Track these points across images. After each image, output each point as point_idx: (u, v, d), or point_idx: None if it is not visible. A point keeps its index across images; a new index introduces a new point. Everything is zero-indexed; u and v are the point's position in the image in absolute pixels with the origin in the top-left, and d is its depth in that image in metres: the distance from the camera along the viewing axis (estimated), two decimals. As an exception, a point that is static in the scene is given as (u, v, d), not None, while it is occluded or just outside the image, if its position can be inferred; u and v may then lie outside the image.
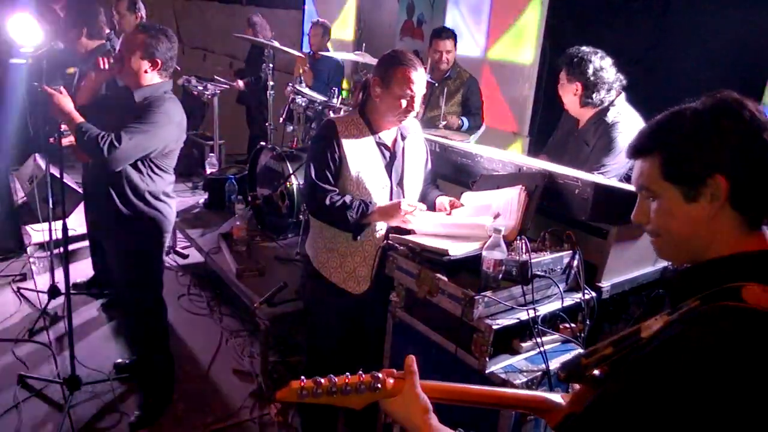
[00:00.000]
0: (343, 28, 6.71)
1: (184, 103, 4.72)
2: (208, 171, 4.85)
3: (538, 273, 1.88)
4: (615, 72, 2.62)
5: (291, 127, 4.44)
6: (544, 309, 1.90)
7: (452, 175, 2.65)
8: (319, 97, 4.14)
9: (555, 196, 2.14)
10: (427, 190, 2.48)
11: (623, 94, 2.66)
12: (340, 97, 4.06)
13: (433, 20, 5.81)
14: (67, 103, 2.46)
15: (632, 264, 2.18)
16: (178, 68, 3.58)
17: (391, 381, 1.12)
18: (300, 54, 5.04)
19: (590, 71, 2.59)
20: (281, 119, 4.50)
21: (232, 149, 6.68)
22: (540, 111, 4.92)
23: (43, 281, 3.95)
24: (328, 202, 2.21)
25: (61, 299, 3.65)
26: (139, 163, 2.55)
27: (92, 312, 3.85)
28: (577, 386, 1.23)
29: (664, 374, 0.94)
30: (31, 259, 4.34)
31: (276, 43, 4.79)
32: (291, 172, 3.66)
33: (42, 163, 4.43)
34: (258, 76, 6.07)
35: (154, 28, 2.58)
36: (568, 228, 2.07)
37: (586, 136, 2.69)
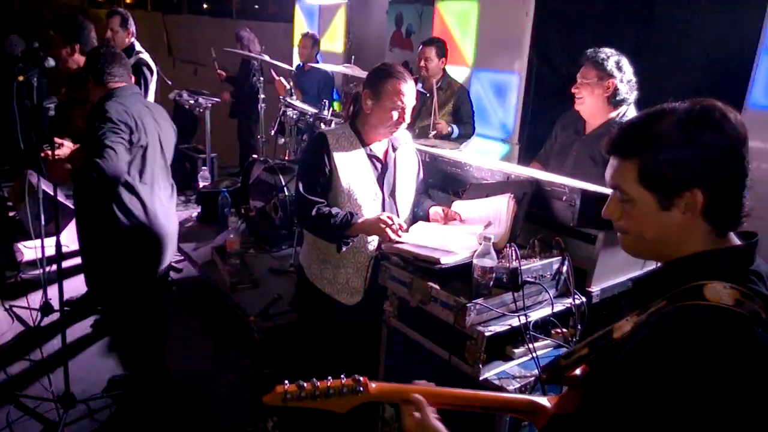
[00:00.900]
0: (333, 40, 6.76)
1: (176, 116, 4.75)
2: (201, 184, 4.86)
3: (528, 279, 1.91)
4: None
5: (282, 140, 4.46)
6: (535, 315, 1.92)
7: (442, 184, 2.67)
8: (310, 110, 4.17)
9: (543, 203, 2.16)
10: (419, 200, 2.50)
11: (633, 107, 2.68)
12: (332, 109, 4.09)
13: (422, 31, 5.86)
14: (61, 167, 2.59)
15: (621, 268, 2.20)
16: (170, 82, 3.61)
17: (373, 385, 1.14)
18: (286, 67, 5.06)
19: (625, 70, 2.62)
20: (273, 131, 4.52)
21: (225, 162, 6.69)
22: (528, 119, 4.97)
23: (35, 298, 3.94)
24: (314, 213, 2.23)
25: (53, 316, 3.64)
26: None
27: (85, 329, 3.84)
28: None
29: (634, 382, 0.97)
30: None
31: (266, 57, 4.82)
32: (283, 184, 3.68)
33: (34, 179, 4.43)
34: (242, 82, 6.13)
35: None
36: (556, 234, 2.09)
37: (599, 142, 2.69)
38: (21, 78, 2.82)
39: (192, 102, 5.37)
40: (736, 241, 1.09)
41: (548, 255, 2.03)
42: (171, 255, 3.00)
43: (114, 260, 2.79)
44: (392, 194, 2.38)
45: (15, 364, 3.41)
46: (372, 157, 2.35)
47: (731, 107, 1.07)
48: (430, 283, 1.93)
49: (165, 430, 2.94)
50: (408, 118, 2.29)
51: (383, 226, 2.11)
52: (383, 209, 2.35)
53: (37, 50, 3.10)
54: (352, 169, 2.29)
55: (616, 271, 2.19)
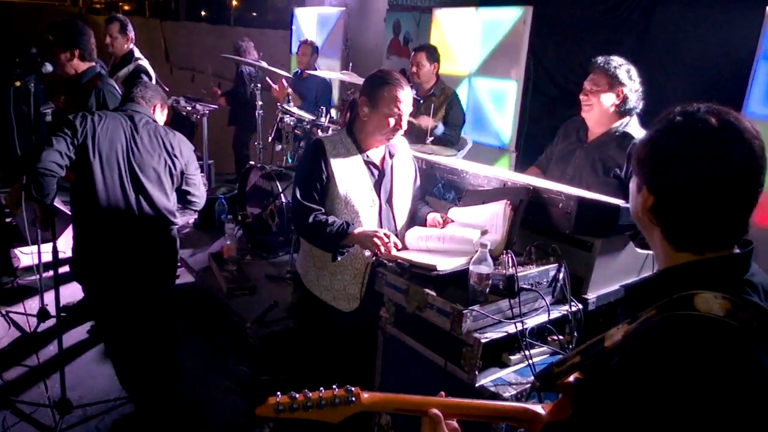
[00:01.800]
0: (330, 47, 6.78)
1: (173, 123, 4.75)
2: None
3: (525, 286, 1.91)
4: None
5: (279, 146, 4.47)
6: (531, 322, 1.92)
7: (439, 191, 2.68)
8: (308, 116, 4.18)
9: (540, 210, 2.17)
10: (416, 206, 2.51)
11: (635, 117, 2.70)
12: (329, 116, 4.11)
13: (419, 38, 5.89)
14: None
15: (617, 275, 2.21)
16: (167, 89, 3.62)
17: (365, 395, 1.14)
18: (286, 74, 5.08)
19: (634, 79, 2.63)
20: (270, 138, 4.53)
21: (222, 169, 6.70)
22: (526, 126, 4.99)
23: (32, 304, 3.93)
24: (311, 220, 2.23)
25: (50, 322, 3.63)
26: None
27: (82, 334, 3.83)
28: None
29: (623, 392, 0.97)
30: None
31: (264, 64, 4.84)
32: (280, 190, 3.69)
33: (31, 186, 4.42)
34: (236, 92, 6.16)
35: None
36: (553, 241, 2.10)
37: (603, 150, 2.69)
38: (18, 84, 2.82)
39: (189, 108, 5.39)
40: (733, 249, 1.08)
41: (545, 262, 2.04)
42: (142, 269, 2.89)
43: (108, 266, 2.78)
44: (389, 201, 2.39)
45: (11, 369, 3.39)
46: (369, 163, 2.36)
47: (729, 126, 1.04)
48: (427, 290, 1.93)
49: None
50: (405, 125, 2.29)
51: (378, 242, 2.11)
52: (380, 216, 2.35)
53: (34, 56, 3.11)
54: (349, 175, 2.30)
55: (613, 278, 2.20)
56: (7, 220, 4.82)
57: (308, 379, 2.64)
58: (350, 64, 5.09)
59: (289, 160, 4.46)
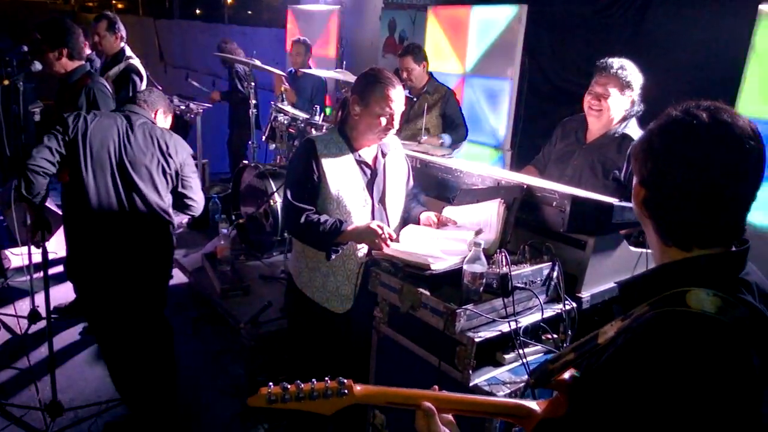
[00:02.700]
0: (325, 45, 6.76)
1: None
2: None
3: (519, 285, 1.90)
4: None
5: (273, 145, 4.45)
6: (525, 320, 1.91)
7: (433, 190, 2.67)
8: (302, 115, 4.16)
9: (534, 209, 2.16)
10: (410, 205, 2.49)
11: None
12: (323, 114, 4.08)
13: (415, 36, 5.88)
14: None
15: (611, 274, 2.20)
16: (159, 87, 3.59)
17: (358, 387, 1.13)
18: (279, 72, 5.06)
19: (641, 82, 2.62)
20: (264, 137, 4.51)
21: (216, 168, 6.67)
22: (521, 125, 4.99)
23: (22, 306, 3.90)
24: (303, 220, 2.22)
25: (40, 324, 3.60)
26: None
27: (74, 336, 3.81)
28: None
29: (614, 388, 0.97)
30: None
31: (257, 62, 4.82)
32: (274, 190, 3.66)
33: (22, 186, 4.39)
34: (230, 90, 6.14)
35: None
36: (547, 240, 2.09)
37: (603, 152, 2.68)
38: (6, 82, 2.79)
39: (183, 107, 5.35)
40: (729, 248, 1.07)
41: (538, 261, 2.03)
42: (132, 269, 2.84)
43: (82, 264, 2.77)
44: (382, 200, 2.37)
45: (1, 372, 3.37)
46: (361, 162, 2.34)
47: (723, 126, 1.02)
48: (420, 289, 1.92)
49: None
50: (397, 124, 2.28)
51: (373, 234, 2.10)
52: (373, 216, 2.34)
53: (24, 54, 3.08)
54: (341, 175, 2.28)
55: (607, 276, 2.19)
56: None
57: (302, 380, 2.63)
58: (344, 62, 5.08)
59: (284, 160, 4.44)
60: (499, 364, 1.89)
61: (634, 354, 0.97)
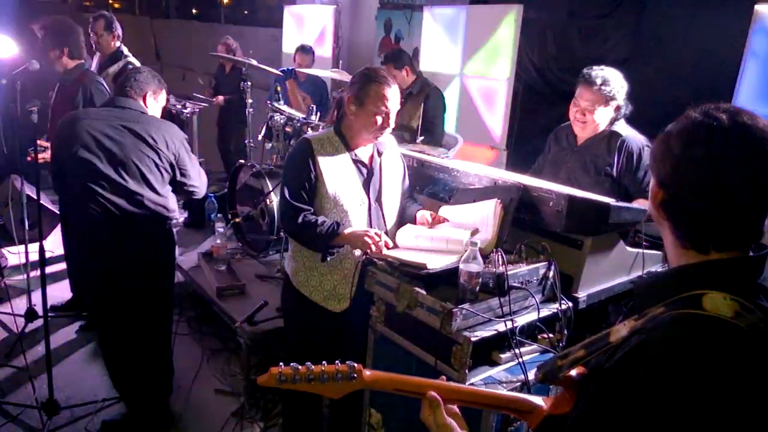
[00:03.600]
0: (321, 45, 6.76)
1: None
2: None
3: (515, 284, 1.91)
4: None
5: (270, 144, 4.45)
6: (521, 320, 1.92)
7: (430, 189, 2.67)
8: (298, 115, 4.16)
9: (530, 208, 2.17)
10: (405, 204, 2.50)
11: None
12: (319, 114, 4.09)
13: (411, 36, 5.89)
14: None
15: (607, 274, 2.21)
16: (170, 99, 3.59)
17: (367, 372, 1.14)
18: (276, 72, 5.05)
19: (624, 85, 2.62)
20: (260, 136, 4.51)
21: (212, 167, 6.66)
22: (516, 124, 5.00)
23: (19, 304, 3.89)
24: (300, 220, 2.22)
25: (37, 322, 3.60)
26: None
27: (70, 335, 3.80)
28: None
29: (625, 388, 0.96)
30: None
31: (254, 61, 4.81)
32: (270, 189, 3.67)
33: (18, 184, 4.38)
34: (239, 95, 6.11)
35: None
36: (543, 239, 2.10)
37: (593, 151, 2.70)
38: (3, 81, 2.80)
39: (179, 107, 5.35)
40: (747, 252, 1.06)
41: (535, 260, 2.04)
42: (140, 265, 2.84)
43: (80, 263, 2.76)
44: (378, 199, 2.37)
45: (-2, 370, 3.37)
46: (357, 162, 2.34)
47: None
48: (417, 289, 1.92)
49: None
50: (393, 123, 2.28)
51: (369, 241, 2.10)
52: (369, 215, 2.34)
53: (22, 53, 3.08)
54: (337, 174, 2.28)
55: (603, 276, 2.20)
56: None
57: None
58: (340, 62, 5.08)
59: (280, 159, 4.44)
60: (495, 363, 1.90)
61: (648, 355, 0.96)
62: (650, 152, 1.13)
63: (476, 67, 5.07)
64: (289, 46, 6.95)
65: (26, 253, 3.59)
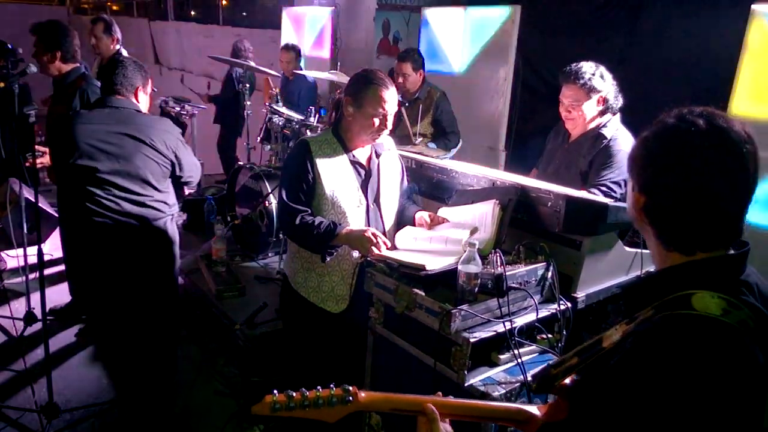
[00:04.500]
0: (319, 46, 6.77)
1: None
2: (187, 192, 4.83)
3: (513, 285, 1.91)
4: None
5: (268, 146, 4.45)
6: (520, 321, 1.92)
7: (428, 190, 2.68)
8: (296, 116, 4.17)
9: (529, 209, 2.17)
10: (404, 205, 2.50)
11: (618, 115, 2.70)
12: (318, 115, 4.09)
13: (409, 38, 5.89)
14: None
15: (606, 274, 2.21)
16: (155, 89, 3.59)
17: (363, 394, 1.14)
18: (274, 74, 5.06)
19: (607, 78, 2.62)
20: (258, 138, 4.51)
21: (211, 170, 6.66)
22: (515, 125, 5.00)
23: (18, 308, 3.89)
24: (298, 221, 2.22)
25: (36, 326, 3.59)
26: None
27: (70, 338, 3.80)
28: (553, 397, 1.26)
29: (622, 392, 0.98)
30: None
31: (252, 63, 4.82)
32: (269, 191, 3.67)
33: (16, 188, 4.39)
34: (226, 97, 6.13)
35: None
36: (542, 240, 2.10)
37: (579, 150, 2.71)
38: (1, 84, 2.79)
39: (178, 109, 5.35)
40: (728, 250, 1.09)
41: (533, 261, 2.04)
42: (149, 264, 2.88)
43: (86, 267, 2.76)
44: (376, 201, 2.38)
45: (-3, 374, 3.36)
46: (355, 163, 2.34)
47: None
48: (415, 290, 1.92)
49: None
50: (390, 125, 2.28)
51: (368, 242, 2.10)
52: (367, 216, 2.34)
53: (20, 56, 3.08)
54: (335, 175, 2.29)
55: (602, 276, 2.20)
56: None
57: (298, 380, 2.64)
58: (338, 63, 5.08)
59: (278, 161, 4.45)
60: (494, 364, 1.90)
61: (643, 358, 0.97)
62: (629, 158, 1.14)
63: (474, 68, 5.07)
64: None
65: (25, 256, 3.58)
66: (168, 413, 3.05)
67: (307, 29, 6.92)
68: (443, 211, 2.36)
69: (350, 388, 1.14)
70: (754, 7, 3.15)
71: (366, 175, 2.36)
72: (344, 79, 4.21)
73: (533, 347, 1.95)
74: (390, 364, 2.15)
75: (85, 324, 3.86)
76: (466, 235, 2.07)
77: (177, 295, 3.02)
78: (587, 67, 2.63)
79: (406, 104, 4.17)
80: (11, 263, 4.35)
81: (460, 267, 1.86)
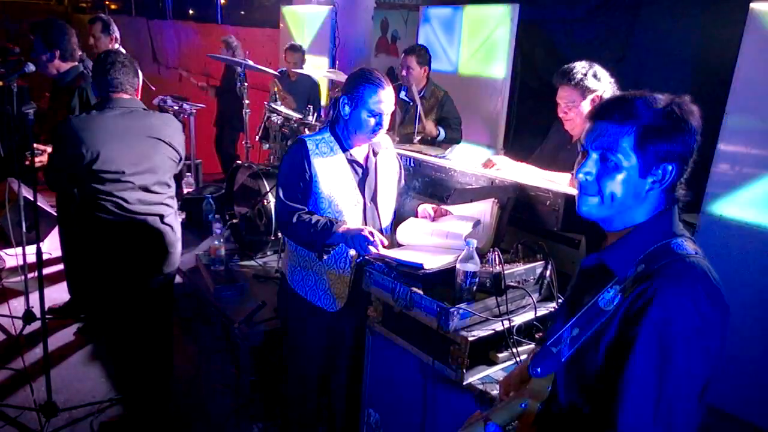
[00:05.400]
0: (318, 45, 6.76)
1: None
2: (185, 190, 4.83)
3: (512, 284, 1.92)
4: None
5: (267, 145, 4.45)
6: (519, 319, 1.93)
7: (427, 189, 2.68)
8: (295, 115, 4.16)
9: (527, 207, 2.18)
10: (402, 202, 2.51)
11: None
12: (316, 114, 4.09)
13: (407, 37, 5.89)
14: None
15: (604, 272, 2.21)
16: (153, 88, 3.59)
17: None
18: (272, 72, 5.05)
19: (602, 76, 2.62)
20: (257, 137, 4.51)
21: (209, 168, 6.66)
22: (513, 124, 5.00)
23: (17, 306, 3.89)
24: (295, 220, 2.22)
25: (35, 324, 3.59)
26: None
27: (68, 337, 3.80)
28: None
29: (668, 325, 1.10)
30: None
31: (250, 62, 4.81)
32: (267, 190, 3.67)
33: (15, 187, 4.38)
34: (227, 95, 6.13)
35: None
36: (540, 239, 2.10)
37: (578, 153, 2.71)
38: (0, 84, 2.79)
39: (176, 108, 5.35)
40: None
41: (532, 259, 2.05)
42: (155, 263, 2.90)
43: (96, 267, 2.76)
44: (374, 199, 2.38)
45: (-4, 373, 3.37)
46: (352, 162, 2.34)
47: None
48: (414, 288, 1.93)
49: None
50: (386, 125, 2.28)
51: (365, 240, 2.08)
52: (365, 215, 2.34)
53: (18, 55, 3.08)
54: (332, 174, 2.29)
55: (599, 275, 2.20)
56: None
57: (296, 378, 2.64)
58: (337, 62, 5.08)
59: (277, 160, 4.44)
60: (492, 362, 1.91)
61: (668, 302, 1.10)
62: (661, 133, 1.22)
63: (472, 66, 5.07)
64: (286, 46, 6.94)
65: (24, 255, 3.58)
66: (166, 411, 3.05)
67: (305, 28, 6.91)
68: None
69: None
70: (752, 5, 3.16)
71: (363, 174, 2.36)
72: (342, 77, 4.22)
73: (531, 346, 1.95)
74: (388, 363, 2.15)
75: (84, 322, 3.87)
76: (468, 228, 2.06)
77: (172, 293, 3.02)
78: (580, 67, 2.62)
79: (411, 103, 4.17)
80: (10, 262, 4.35)
81: (458, 265, 1.86)
